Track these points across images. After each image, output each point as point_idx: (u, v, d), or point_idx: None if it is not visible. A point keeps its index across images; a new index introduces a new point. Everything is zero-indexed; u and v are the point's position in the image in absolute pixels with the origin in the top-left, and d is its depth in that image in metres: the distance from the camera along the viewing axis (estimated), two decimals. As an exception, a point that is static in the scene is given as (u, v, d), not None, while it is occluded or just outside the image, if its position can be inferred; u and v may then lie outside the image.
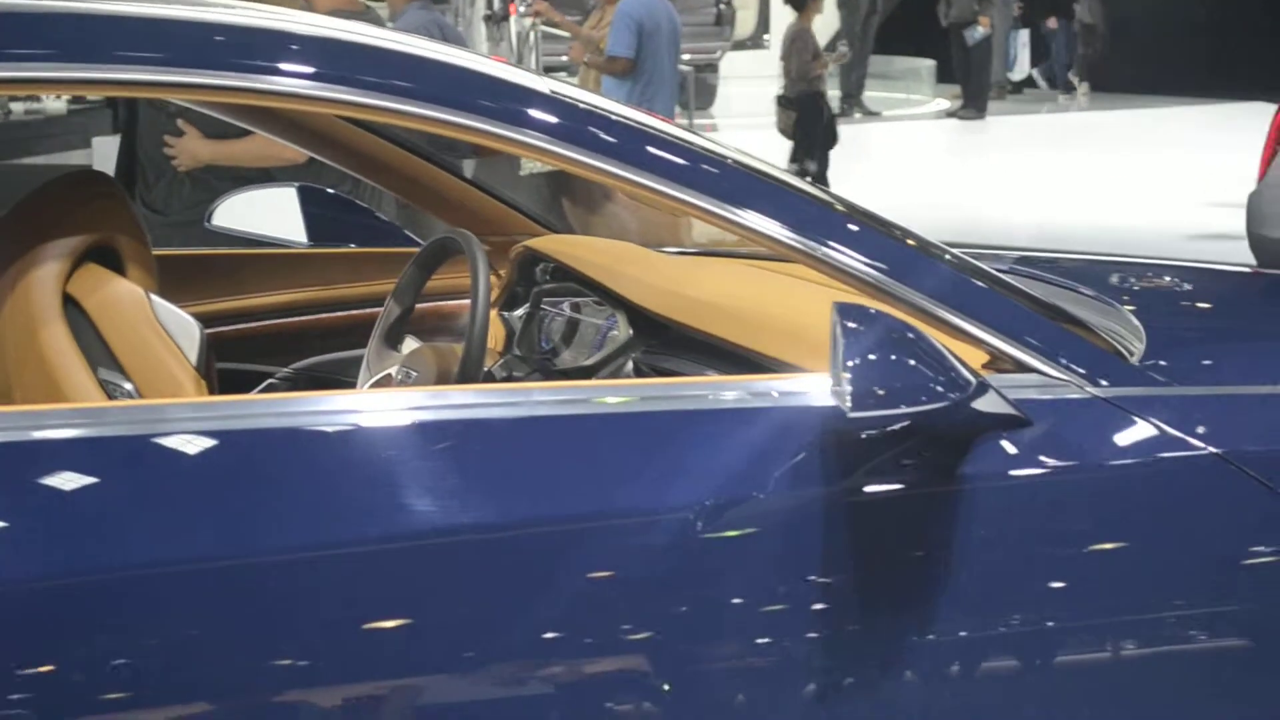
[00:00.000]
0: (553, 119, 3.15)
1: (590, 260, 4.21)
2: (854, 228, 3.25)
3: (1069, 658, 3.17)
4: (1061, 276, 3.88)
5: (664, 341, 3.88)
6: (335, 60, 3.13)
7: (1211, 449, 3.16)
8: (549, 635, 2.91)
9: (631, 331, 3.93)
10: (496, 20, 14.91)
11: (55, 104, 12.59)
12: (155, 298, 3.28)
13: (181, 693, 2.75)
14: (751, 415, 3.11)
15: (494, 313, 4.20)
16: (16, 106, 12.33)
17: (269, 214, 5.19)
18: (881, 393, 2.87)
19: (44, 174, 10.60)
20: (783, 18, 23.59)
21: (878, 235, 3.25)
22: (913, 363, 2.93)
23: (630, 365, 3.89)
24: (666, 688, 2.97)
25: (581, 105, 3.28)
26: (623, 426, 3.12)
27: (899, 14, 25.25)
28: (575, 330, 4.11)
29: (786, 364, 3.39)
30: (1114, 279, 4.03)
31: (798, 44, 16.61)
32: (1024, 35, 26.03)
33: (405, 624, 2.86)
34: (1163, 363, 3.31)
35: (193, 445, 2.80)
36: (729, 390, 3.17)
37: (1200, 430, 3.19)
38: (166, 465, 2.79)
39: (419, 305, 4.03)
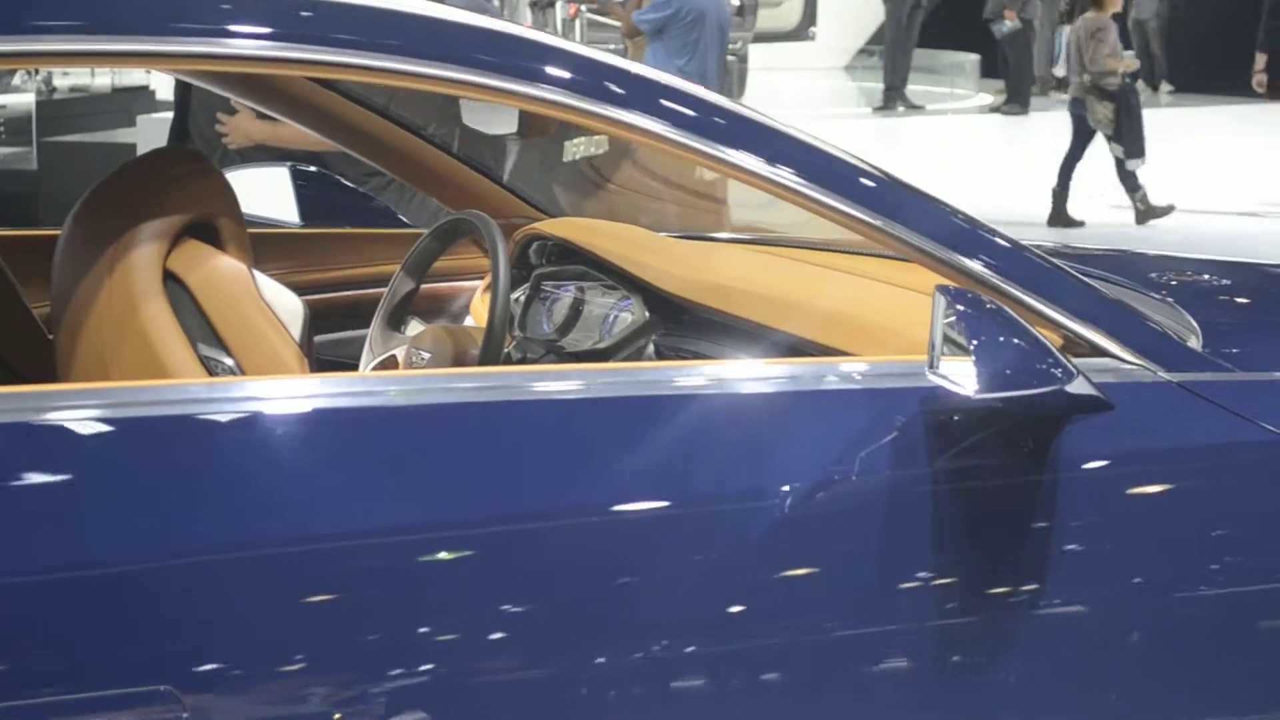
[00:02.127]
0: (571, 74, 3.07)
1: (602, 244, 4.19)
2: (939, 214, 3.20)
3: (1156, 632, 3.12)
4: (1103, 270, 3.79)
5: (682, 324, 3.86)
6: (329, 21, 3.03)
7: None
8: (688, 613, 2.87)
9: (648, 314, 3.91)
10: (542, 6, 14.93)
11: (100, 81, 12.59)
12: (258, 273, 3.27)
13: (298, 663, 2.66)
14: (845, 397, 3.07)
15: (489, 295, 4.09)
16: (61, 84, 12.38)
17: (260, 194, 4.96)
18: (1008, 374, 2.87)
19: (94, 151, 10.80)
20: (831, 9, 23.78)
21: (958, 219, 3.19)
22: (1023, 345, 2.94)
23: (651, 348, 3.86)
24: (785, 662, 2.93)
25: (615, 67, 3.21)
26: (720, 407, 3.05)
27: (944, 8, 25.08)
28: (579, 313, 4.08)
29: (820, 345, 3.40)
30: (1152, 274, 3.98)
31: (1097, 36, 15.53)
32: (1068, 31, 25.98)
33: (519, 602, 2.79)
34: (1223, 350, 3.27)
35: (299, 423, 2.77)
36: (817, 371, 3.13)
37: (1267, 414, 3.16)
38: (272, 443, 2.77)
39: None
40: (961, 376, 2.80)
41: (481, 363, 3.59)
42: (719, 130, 3.12)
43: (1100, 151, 13.59)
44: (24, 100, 11.65)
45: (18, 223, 5.96)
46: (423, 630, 2.73)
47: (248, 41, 2.88)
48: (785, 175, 3.08)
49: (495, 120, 8.38)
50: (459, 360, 3.70)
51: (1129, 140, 14.29)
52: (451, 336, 3.84)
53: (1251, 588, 3.15)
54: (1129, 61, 15.25)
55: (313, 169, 5.35)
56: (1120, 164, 14.20)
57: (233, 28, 2.86)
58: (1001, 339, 2.90)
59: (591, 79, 3.10)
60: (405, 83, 3.36)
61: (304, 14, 2.98)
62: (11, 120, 11.37)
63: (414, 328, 3.91)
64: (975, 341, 2.85)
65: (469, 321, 4.20)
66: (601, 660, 2.80)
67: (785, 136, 3.18)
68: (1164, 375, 3.10)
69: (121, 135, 11.76)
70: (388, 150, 4.59)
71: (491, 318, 3.61)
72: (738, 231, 7.83)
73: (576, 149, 10.43)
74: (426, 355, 3.62)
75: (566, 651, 2.77)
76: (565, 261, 4.21)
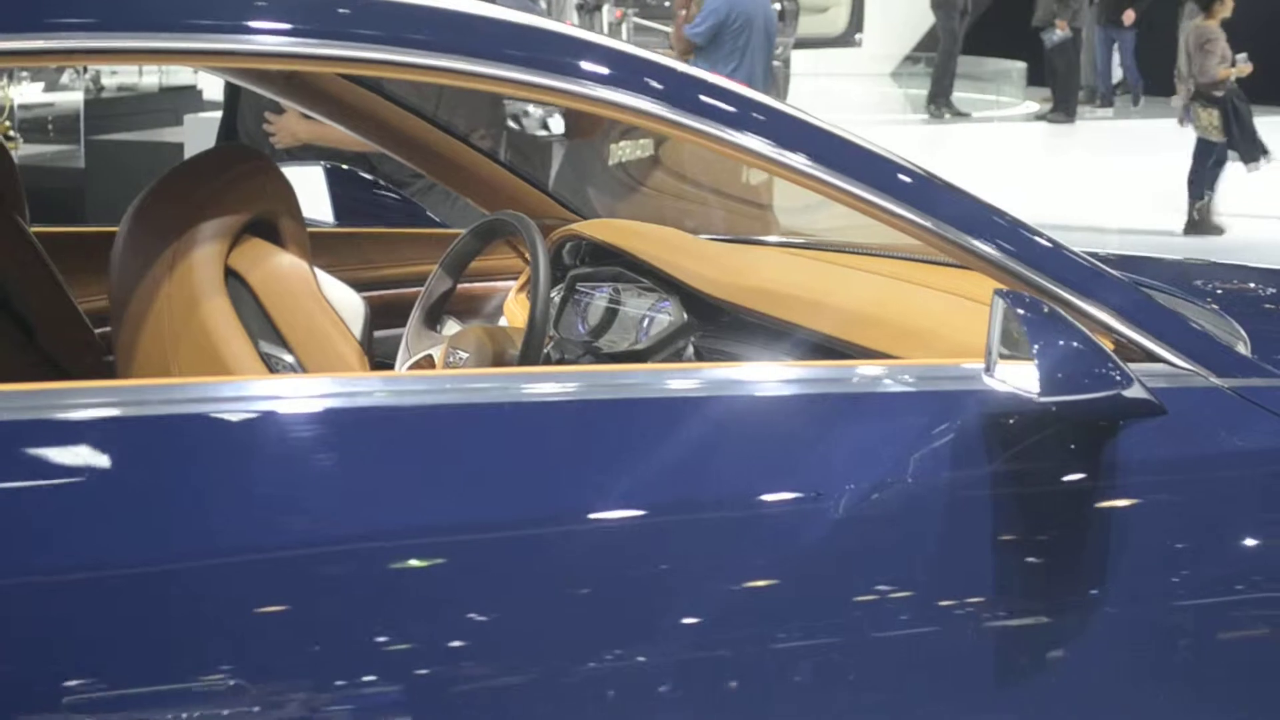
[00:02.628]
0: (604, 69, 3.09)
1: (639, 245, 4.17)
2: (997, 220, 3.17)
3: (1208, 636, 3.13)
4: (1149, 276, 3.78)
5: (721, 325, 3.84)
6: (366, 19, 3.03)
7: None
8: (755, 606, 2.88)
9: (686, 315, 3.89)
10: (589, 9, 14.97)
11: (147, 81, 12.63)
12: (319, 271, 3.29)
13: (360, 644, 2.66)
14: (900, 399, 3.07)
15: (523, 296, 4.20)
16: (109, 83, 12.40)
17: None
18: (1069, 377, 2.88)
19: (141, 150, 10.96)
20: (877, 15, 23.77)
21: (1016, 227, 3.19)
22: (1083, 349, 2.93)
23: (691, 349, 3.84)
24: (847, 658, 2.91)
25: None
26: (767, 408, 3.05)
27: (991, 16, 25.19)
28: (615, 314, 4.08)
29: (859, 348, 3.38)
30: (1199, 281, 4.01)
31: (1205, 48, 15.51)
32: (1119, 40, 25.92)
33: (583, 595, 2.80)
34: (1274, 357, 3.25)
35: (360, 422, 2.78)
36: (868, 373, 3.11)
37: None
38: (333, 441, 2.74)
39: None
40: (1022, 380, 2.81)
41: (522, 363, 3.59)
42: (735, 118, 3.09)
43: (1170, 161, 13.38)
44: (72, 99, 11.66)
45: (65, 220, 6.00)
46: (485, 619, 2.72)
47: (267, 38, 2.86)
48: (837, 177, 3.04)
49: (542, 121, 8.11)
50: (498, 360, 3.70)
51: (1243, 145, 14.05)
52: (490, 337, 3.82)
53: None
54: (1241, 66, 15.04)
55: (344, 168, 5.36)
56: (1202, 171, 13.83)
57: (252, 24, 2.87)
58: (1062, 343, 2.90)
59: (631, 74, 3.09)
60: (431, 78, 3.29)
61: (329, 9, 2.98)
62: (60, 118, 11.38)
63: (450, 327, 3.92)
64: (1038, 345, 2.86)
65: (502, 321, 4.17)
66: (643, 659, 2.79)
67: (832, 136, 3.14)
68: (1215, 381, 3.10)
69: (169, 134, 11.88)
70: (425, 152, 4.59)
71: (532, 318, 3.60)
72: (777, 235, 8.15)
73: (621, 152, 10.25)
74: (465, 355, 3.61)
75: (611, 647, 2.75)
76: (600, 263, 4.21)
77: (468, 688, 2.73)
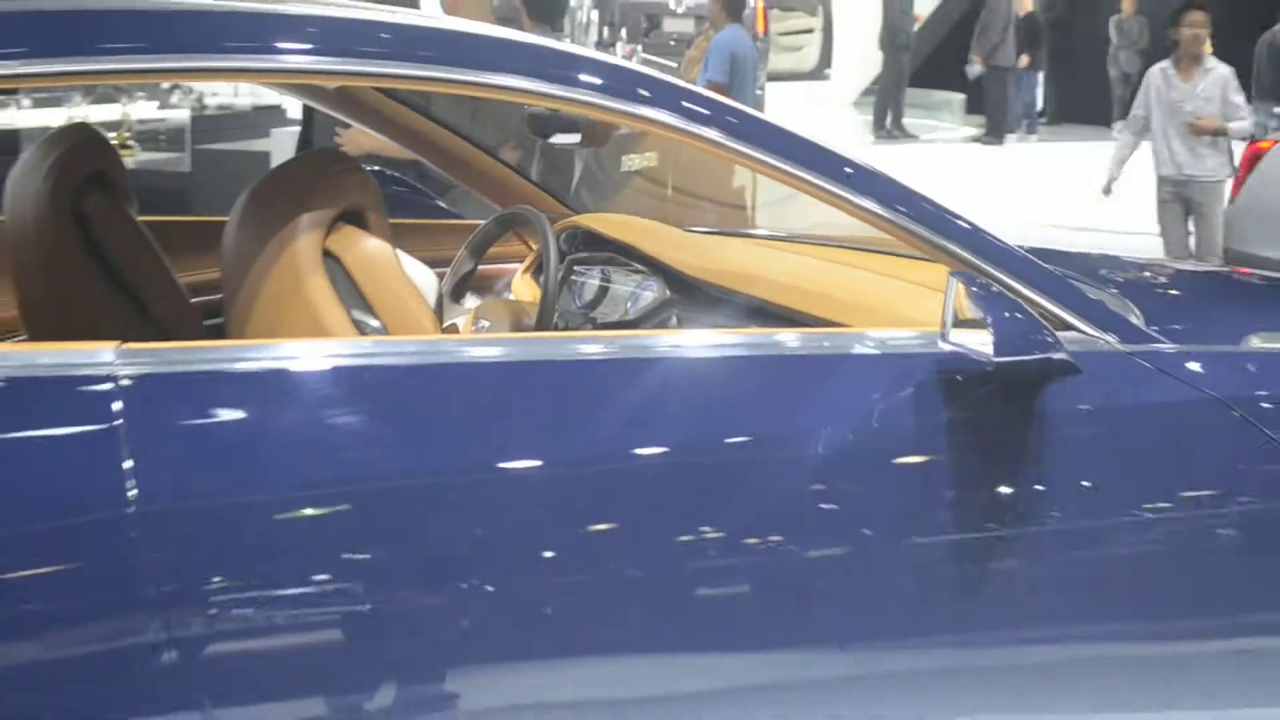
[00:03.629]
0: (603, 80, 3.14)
1: (628, 235, 4.22)
2: (944, 215, 3.23)
3: (1116, 541, 3.22)
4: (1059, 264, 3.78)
5: (698, 301, 3.86)
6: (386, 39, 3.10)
7: (1211, 392, 3.27)
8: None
9: (669, 292, 3.88)
10: (605, 47, 14.88)
11: (241, 101, 12.76)
12: (400, 252, 3.32)
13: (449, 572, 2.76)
14: (895, 360, 3.14)
15: (528, 276, 4.25)
16: (210, 102, 12.52)
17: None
18: (1014, 342, 2.97)
19: (235, 157, 10.93)
20: (842, 54, 23.79)
21: (959, 222, 3.24)
22: (1024, 320, 3.02)
23: (675, 320, 3.83)
24: (836, 561, 2.98)
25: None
26: (752, 367, 3.07)
27: (938, 55, 25.07)
28: (606, 291, 4.05)
29: (821, 319, 3.43)
30: (1102, 270, 3.99)
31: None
32: (1039, 77, 25.70)
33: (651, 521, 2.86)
34: (1161, 329, 3.35)
35: (435, 375, 2.84)
36: (836, 339, 3.18)
37: (1196, 379, 3.30)
38: (415, 391, 2.82)
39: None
40: (975, 344, 2.93)
41: (538, 329, 3.65)
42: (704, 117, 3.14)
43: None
44: (181, 115, 11.68)
45: (173, 212, 5.98)
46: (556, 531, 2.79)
47: (289, 58, 2.94)
48: (813, 176, 3.12)
49: (564, 134, 7.89)
50: (515, 328, 3.75)
51: None
52: (508, 308, 3.90)
53: (1185, 514, 3.24)
54: None
55: (388, 172, 5.29)
56: None
57: (278, 44, 2.94)
58: (1008, 314, 2.98)
59: (621, 83, 3.16)
60: (428, 88, 3.75)
61: (338, 30, 3.05)
62: (170, 131, 11.36)
63: (469, 300, 3.95)
64: (991, 316, 2.95)
65: (510, 297, 4.19)
66: (671, 566, 2.85)
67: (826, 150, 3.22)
68: (1120, 346, 3.22)
69: (258, 145, 11.75)
70: (452, 159, 4.60)
71: (545, 294, 3.70)
72: (750, 229, 8.31)
73: (632, 162, 10.49)
74: (487, 324, 3.63)
75: (651, 557, 2.84)
76: (594, 249, 4.19)
77: (556, 583, 2.79)
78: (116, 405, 2.53)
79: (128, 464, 2.51)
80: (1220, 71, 10.83)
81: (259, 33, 3.02)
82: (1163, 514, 3.29)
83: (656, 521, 2.92)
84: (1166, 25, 18.71)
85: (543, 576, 2.86)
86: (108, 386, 2.53)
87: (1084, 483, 3.20)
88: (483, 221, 4.32)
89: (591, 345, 3.15)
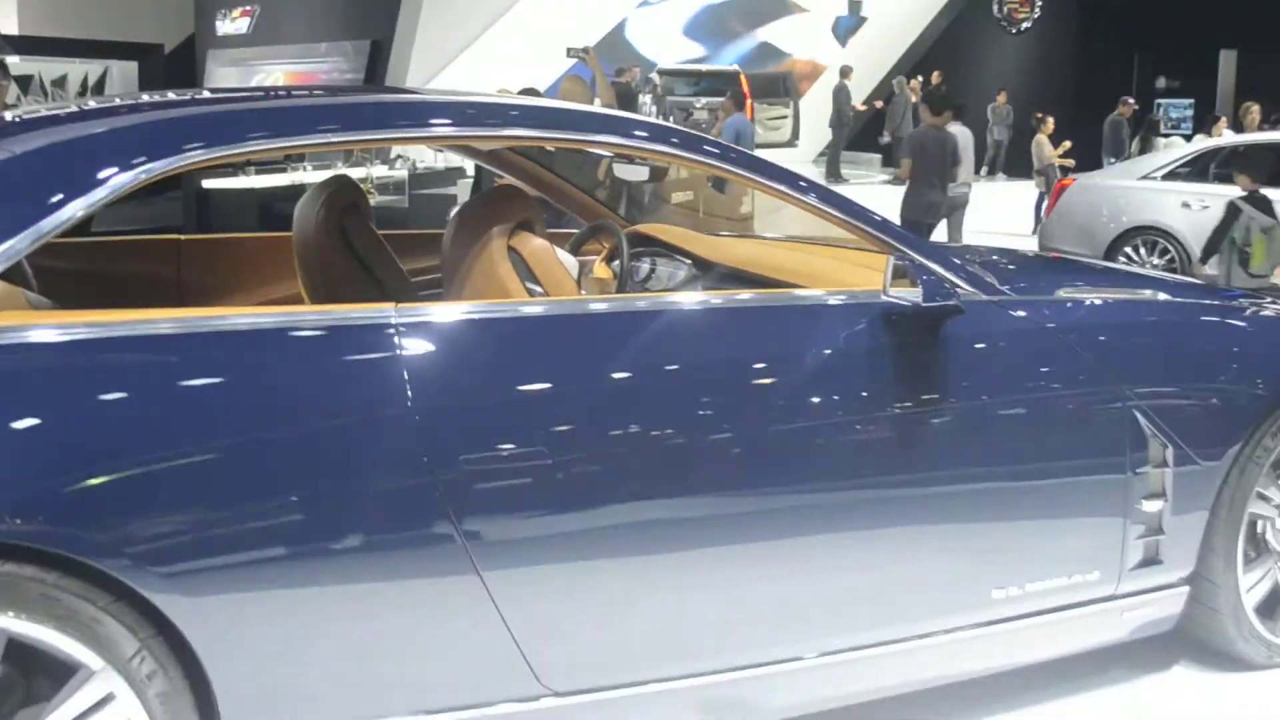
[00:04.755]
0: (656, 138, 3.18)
1: (667, 236, 4.17)
2: (884, 221, 3.31)
3: (999, 427, 3.26)
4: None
5: (713, 277, 3.82)
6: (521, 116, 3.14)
7: (1036, 323, 3.37)
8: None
9: (696, 271, 3.89)
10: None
11: (439, 164, 13.00)
12: (556, 247, 3.30)
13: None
14: (851, 307, 3.13)
15: (603, 264, 3.98)
16: (420, 166, 12.79)
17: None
18: (934, 294, 3.07)
19: (434, 199, 12.33)
20: (805, 130, 23.83)
21: (868, 213, 3.28)
22: (937, 280, 3.14)
23: (700, 288, 3.68)
24: (809, 443, 3.00)
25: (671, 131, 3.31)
26: (760, 313, 3.12)
27: (865, 132, 24.56)
28: (653, 272, 4.00)
29: (798, 286, 3.36)
30: (968, 254, 3.77)
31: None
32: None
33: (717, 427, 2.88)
34: (1009, 287, 3.39)
35: (578, 321, 2.88)
36: (832, 297, 3.17)
37: (1030, 315, 3.39)
38: (567, 331, 2.86)
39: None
40: (908, 296, 3.03)
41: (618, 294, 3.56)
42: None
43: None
44: (402, 174, 12.21)
45: (398, 228, 6.22)
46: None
47: (452, 128, 3.03)
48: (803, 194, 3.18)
49: (636, 173, 8.21)
50: (603, 294, 3.63)
51: None
52: (598, 282, 3.82)
53: (1024, 397, 3.28)
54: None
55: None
56: None
57: (429, 120, 3.05)
58: (928, 277, 3.09)
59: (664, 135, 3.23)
60: (506, 143, 3.77)
61: (472, 110, 3.08)
62: (395, 183, 11.96)
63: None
64: (920, 278, 3.07)
65: (593, 276, 3.96)
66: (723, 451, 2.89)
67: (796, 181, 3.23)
68: (985, 297, 3.29)
69: (449, 190, 12.43)
70: (558, 194, 4.44)
71: (621, 273, 3.74)
72: (750, 233, 8.29)
73: (678, 195, 11.13)
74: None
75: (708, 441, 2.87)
76: (645, 246, 4.11)
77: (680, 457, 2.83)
78: (398, 340, 2.59)
79: (406, 377, 2.58)
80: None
81: (441, 111, 3.10)
82: (1011, 398, 3.26)
83: (697, 409, 2.88)
84: (1022, 111, 19.07)
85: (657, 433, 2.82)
86: (391, 330, 2.60)
87: (964, 382, 3.20)
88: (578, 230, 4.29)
89: (655, 303, 3.03)
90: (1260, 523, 3.74)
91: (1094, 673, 3.78)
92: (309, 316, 2.60)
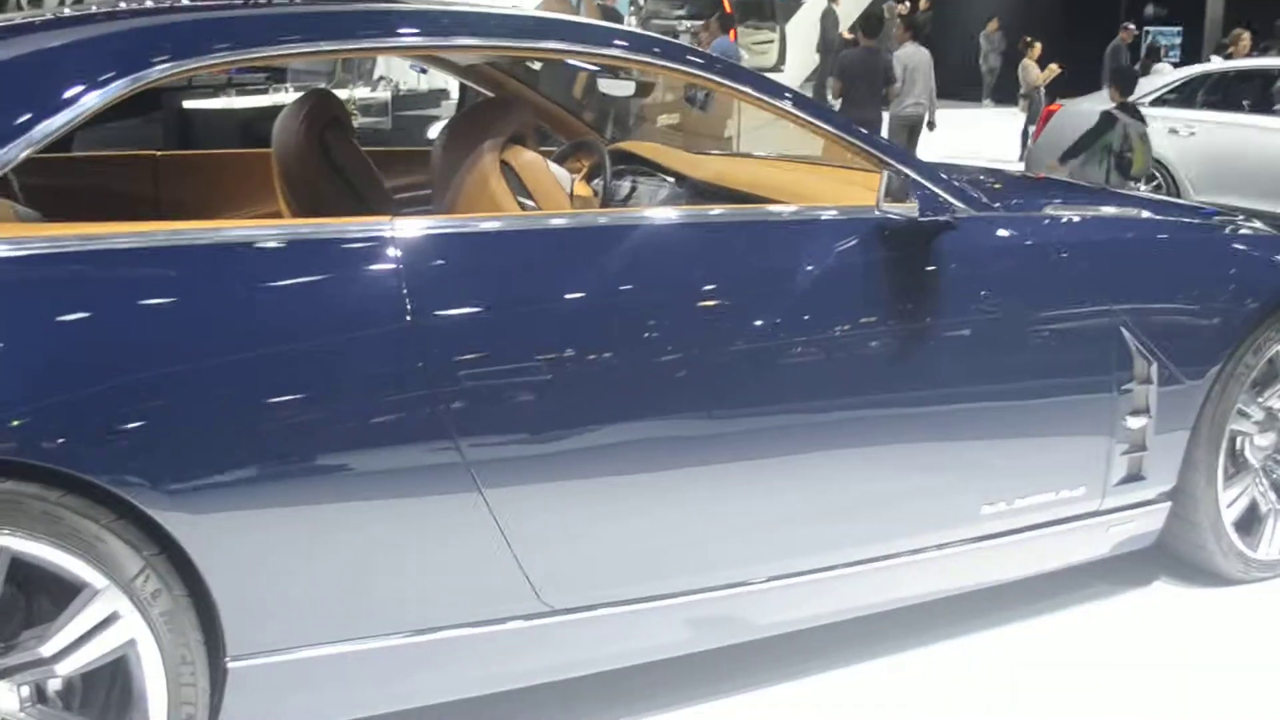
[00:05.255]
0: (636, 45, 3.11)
1: (650, 153, 4.12)
2: (849, 125, 3.31)
3: (991, 330, 3.26)
4: None
5: (696, 193, 3.74)
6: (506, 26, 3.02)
7: (1037, 240, 3.39)
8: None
9: (679, 188, 3.82)
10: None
11: (423, 85, 12.85)
12: (548, 160, 3.36)
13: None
14: (844, 223, 3.13)
15: (582, 181, 3.91)
16: (404, 87, 12.71)
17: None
18: (929, 208, 3.13)
19: (417, 120, 12.23)
20: (794, 55, 23.84)
21: (856, 128, 3.30)
22: (932, 196, 3.19)
23: (684, 203, 3.62)
24: (811, 352, 2.99)
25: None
26: (752, 226, 3.08)
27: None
28: (635, 189, 3.90)
29: (780, 201, 3.31)
30: (956, 174, 3.60)
31: None
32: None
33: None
34: (998, 204, 3.40)
35: (567, 233, 2.88)
36: (825, 211, 3.16)
37: (1029, 232, 3.40)
38: (556, 240, 2.85)
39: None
40: (902, 210, 3.03)
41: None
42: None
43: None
44: (385, 95, 12.22)
45: (380, 146, 6.06)
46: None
47: (405, 39, 2.95)
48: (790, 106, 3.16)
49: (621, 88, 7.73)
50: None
51: None
52: (581, 200, 3.73)
53: (1011, 304, 3.28)
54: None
55: None
56: None
57: (399, 30, 2.94)
58: (922, 193, 3.13)
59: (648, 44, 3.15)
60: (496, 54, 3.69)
61: (443, 19, 3.01)
62: (378, 105, 11.93)
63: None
64: (917, 193, 3.09)
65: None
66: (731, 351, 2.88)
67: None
68: (974, 212, 3.28)
69: (432, 112, 12.34)
70: (543, 112, 4.36)
71: (605, 189, 3.73)
72: (730, 150, 8.17)
73: (662, 118, 11.03)
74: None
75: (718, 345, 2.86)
76: (628, 163, 4.03)
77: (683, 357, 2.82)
78: (394, 251, 2.58)
79: (404, 290, 2.56)
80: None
81: (413, 20, 3.00)
82: (1001, 313, 3.26)
83: (692, 325, 2.86)
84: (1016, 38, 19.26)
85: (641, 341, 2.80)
86: (389, 242, 2.60)
87: (955, 297, 3.19)
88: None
89: (652, 216, 3.04)
90: (1240, 439, 3.78)
91: (1077, 588, 3.81)
92: (305, 229, 2.58)
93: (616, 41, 3.10)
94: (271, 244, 2.53)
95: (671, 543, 2.89)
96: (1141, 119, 9.50)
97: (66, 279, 2.35)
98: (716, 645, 3.09)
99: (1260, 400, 3.81)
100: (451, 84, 11.92)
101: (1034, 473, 3.36)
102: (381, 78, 12.81)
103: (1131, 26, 18.80)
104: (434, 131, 10.71)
